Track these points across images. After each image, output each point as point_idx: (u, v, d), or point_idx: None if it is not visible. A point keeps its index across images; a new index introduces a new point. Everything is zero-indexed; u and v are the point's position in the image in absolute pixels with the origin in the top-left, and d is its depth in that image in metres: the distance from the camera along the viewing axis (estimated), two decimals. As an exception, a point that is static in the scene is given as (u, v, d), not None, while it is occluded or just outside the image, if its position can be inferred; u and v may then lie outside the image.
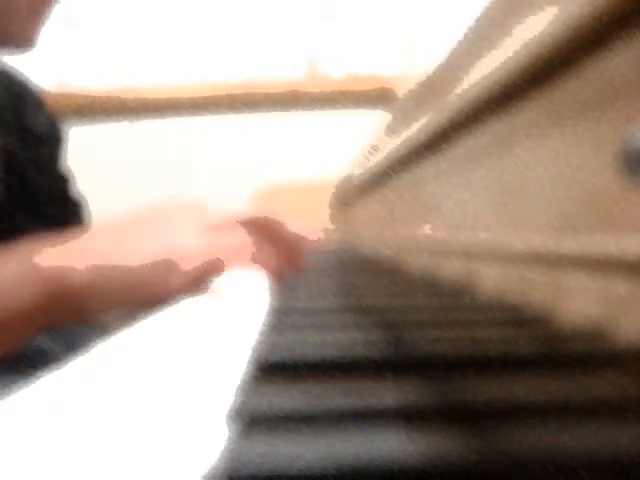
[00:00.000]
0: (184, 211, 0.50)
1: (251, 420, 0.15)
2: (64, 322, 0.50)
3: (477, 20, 0.41)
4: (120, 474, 0.13)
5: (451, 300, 0.36)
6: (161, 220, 0.49)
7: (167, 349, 0.26)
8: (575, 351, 0.22)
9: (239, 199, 0.54)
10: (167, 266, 0.46)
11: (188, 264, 0.46)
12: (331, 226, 1.38)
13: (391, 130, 0.76)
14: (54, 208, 0.81)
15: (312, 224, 0.96)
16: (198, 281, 0.45)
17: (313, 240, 0.56)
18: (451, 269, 0.50)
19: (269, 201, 1.58)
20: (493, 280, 0.40)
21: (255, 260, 0.47)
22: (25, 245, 0.47)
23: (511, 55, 0.34)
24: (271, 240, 0.51)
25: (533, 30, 0.31)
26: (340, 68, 1.75)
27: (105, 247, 0.47)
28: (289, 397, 0.16)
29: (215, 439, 0.15)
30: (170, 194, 0.53)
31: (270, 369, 0.20)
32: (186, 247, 0.46)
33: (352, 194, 1.20)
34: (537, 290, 0.33)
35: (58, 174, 0.85)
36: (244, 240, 0.49)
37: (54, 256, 0.46)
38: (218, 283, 0.44)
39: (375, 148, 0.87)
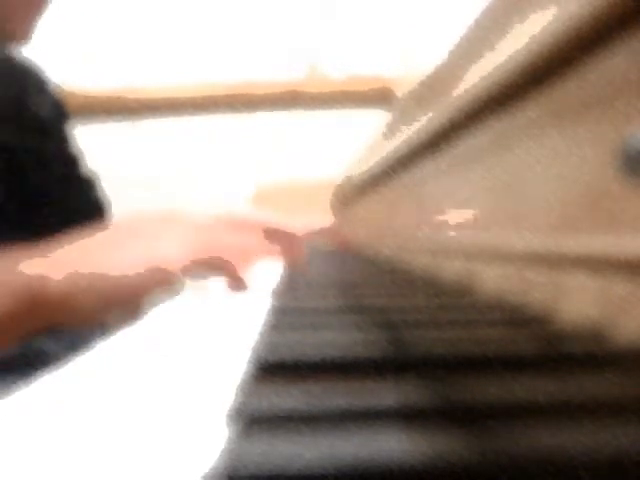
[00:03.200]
0: (165, 221, 0.52)
1: (251, 420, 0.15)
2: (43, 329, 0.51)
3: (477, 20, 0.41)
4: (120, 474, 0.13)
5: (451, 300, 0.36)
6: (143, 230, 0.51)
7: (167, 349, 0.26)
8: (575, 351, 0.21)
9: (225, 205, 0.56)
10: (147, 273, 0.47)
11: (168, 271, 0.47)
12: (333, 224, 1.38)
13: (391, 130, 0.76)
14: (61, 209, 0.80)
15: (310, 220, 0.97)
16: (177, 284, 0.47)
17: (307, 234, 0.59)
18: (451, 269, 0.50)
19: (269, 201, 1.58)
20: (493, 280, 0.40)
21: (244, 259, 0.50)
22: (8, 253, 0.48)
23: (511, 55, 0.34)
24: (263, 235, 0.55)
25: (533, 30, 0.31)
26: (340, 68, 1.75)
27: (86, 256, 0.48)
28: (289, 397, 0.16)
29: (215, 439, 0.15)
30: (166, 199, 0.56)
31: (270, 369, 0.20)
32: (167, 255, 0.48)
33: (352, 194, 1.20)
34: (537, 290, 0.33)
35: (71, 173, 0.84)
36: (229, 240, 0.51)
37: (34, 264, 0.46)
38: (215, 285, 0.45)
39: (375, 148, 0.87)
